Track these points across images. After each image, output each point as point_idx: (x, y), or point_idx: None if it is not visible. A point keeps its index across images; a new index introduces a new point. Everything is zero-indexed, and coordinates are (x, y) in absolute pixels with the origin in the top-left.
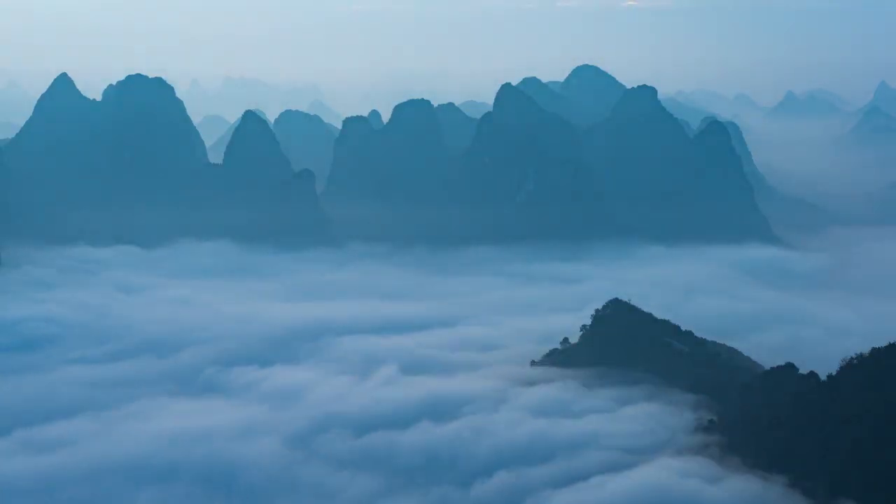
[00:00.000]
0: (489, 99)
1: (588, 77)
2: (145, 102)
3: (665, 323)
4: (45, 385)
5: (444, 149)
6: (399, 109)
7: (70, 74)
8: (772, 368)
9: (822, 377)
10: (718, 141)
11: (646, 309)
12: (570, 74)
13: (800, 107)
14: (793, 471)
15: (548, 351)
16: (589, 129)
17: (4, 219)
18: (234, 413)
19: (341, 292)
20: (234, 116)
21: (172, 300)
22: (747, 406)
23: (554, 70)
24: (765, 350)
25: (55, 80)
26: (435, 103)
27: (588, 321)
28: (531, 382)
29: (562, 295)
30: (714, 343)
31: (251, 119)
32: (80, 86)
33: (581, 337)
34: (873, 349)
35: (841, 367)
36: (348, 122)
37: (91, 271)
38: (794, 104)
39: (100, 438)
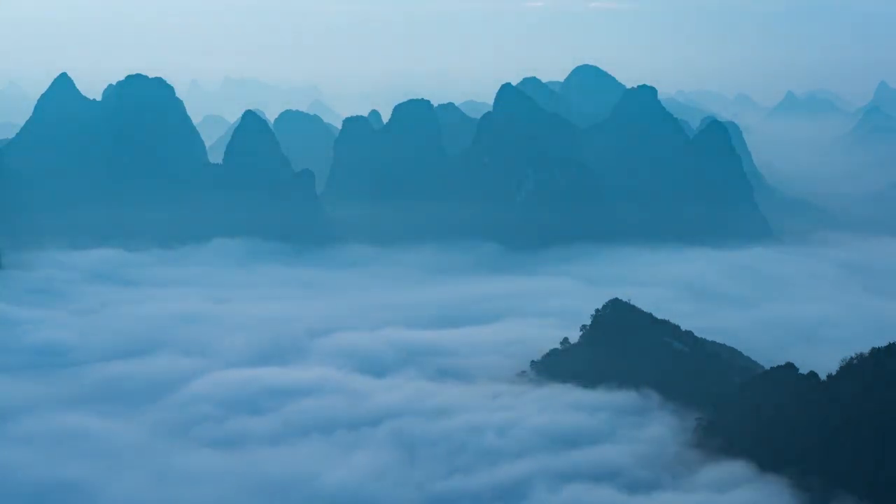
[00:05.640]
0: (489, 99)
1: (588, 77)
2: (145, 102)
3: (665, 323)
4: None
5: (444, 149)
6: (399, 109)
7: (70, 74)
8: (772, 368)
9: (822, 377)
10: (718, 141)
11: (646, 309)
12: (570, 74)
13: (800, 107)
14: (793, 470)
15: (547, 351)
16: (589, 129)
17: (4, 219)
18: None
19: (341, 292)
20: (234, 116)
21: (173, 300)
22: (747, 406)
23: (554, 70)
24: (765, 350)
25: (55, 80)
26: (435, 103)
27: (588, 321)
28: (531, 382)
29: (561, 295)
30: (714, 343)
31: (251, 119)
32: (80, 86)
33: (581, 337)
34: (873, 349)
35: (841, 367)
36: (348, 122)
37: (91, 271)
38: (794, 104)
39: None
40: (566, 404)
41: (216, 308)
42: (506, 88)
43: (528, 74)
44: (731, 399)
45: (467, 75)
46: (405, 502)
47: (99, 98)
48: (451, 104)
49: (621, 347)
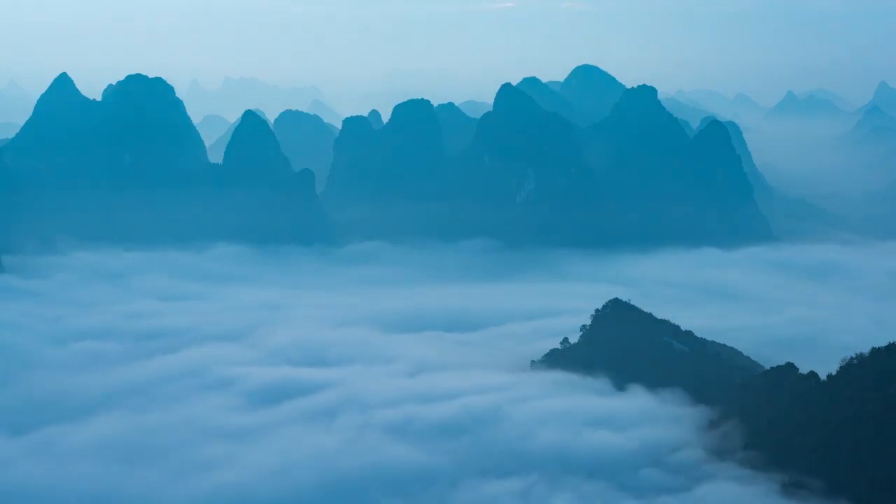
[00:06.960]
0: (489, 99)
1: (588, 77)
2: (145, 102)
3: (665, 323)
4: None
5: (444, 149)
6: (399, 109)
7: (70, 74)
8: (772, 368)
9: (822, 377)
10: (718, 141)
11: (646, 309)
12: (570, 74)
13: (800, 107)
14: (792, 471)
15: (547, 351)
16: (589, 129)
17: (3, 219)
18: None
19: (341, 292)
20: (234, 116)
21: (173, 301)
22: (747, 406)
23: (554, 70)
24: (765, 350)
25: (55, 80)
26: (435, 103)
27: (588, 321)
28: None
29: (561, 295)
30: (714, 343)
31: (251, 119)
32: (80, 86)
33: (581, 337)
34: (873, 349)
35: (841, 367)
36: (348, 122)
37: (91, 273)
38: (794, 104)
39: None
40: (566, 403)
41: (216, 308)
42: (506, 88)
43: (528, 74)
44: (731, 399)
45: (467, 75)
46: (413, 479)
47: (99, 98)
48: (451, 104)
49: (621, 347)
